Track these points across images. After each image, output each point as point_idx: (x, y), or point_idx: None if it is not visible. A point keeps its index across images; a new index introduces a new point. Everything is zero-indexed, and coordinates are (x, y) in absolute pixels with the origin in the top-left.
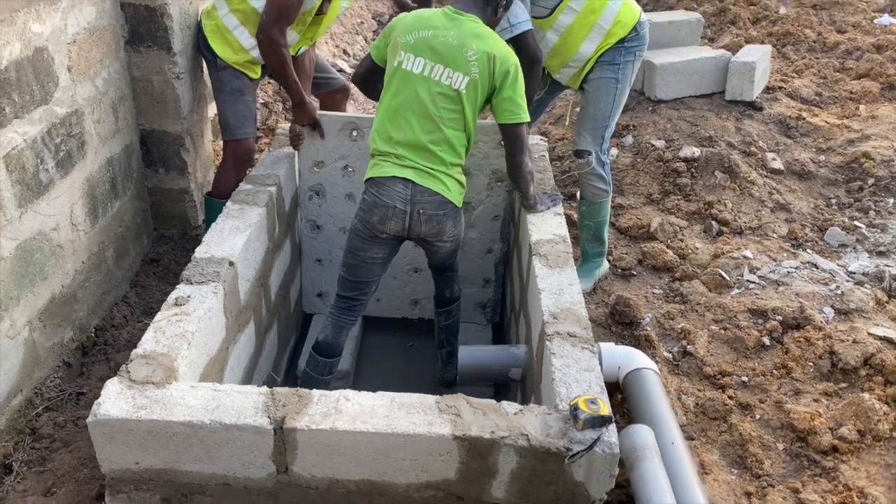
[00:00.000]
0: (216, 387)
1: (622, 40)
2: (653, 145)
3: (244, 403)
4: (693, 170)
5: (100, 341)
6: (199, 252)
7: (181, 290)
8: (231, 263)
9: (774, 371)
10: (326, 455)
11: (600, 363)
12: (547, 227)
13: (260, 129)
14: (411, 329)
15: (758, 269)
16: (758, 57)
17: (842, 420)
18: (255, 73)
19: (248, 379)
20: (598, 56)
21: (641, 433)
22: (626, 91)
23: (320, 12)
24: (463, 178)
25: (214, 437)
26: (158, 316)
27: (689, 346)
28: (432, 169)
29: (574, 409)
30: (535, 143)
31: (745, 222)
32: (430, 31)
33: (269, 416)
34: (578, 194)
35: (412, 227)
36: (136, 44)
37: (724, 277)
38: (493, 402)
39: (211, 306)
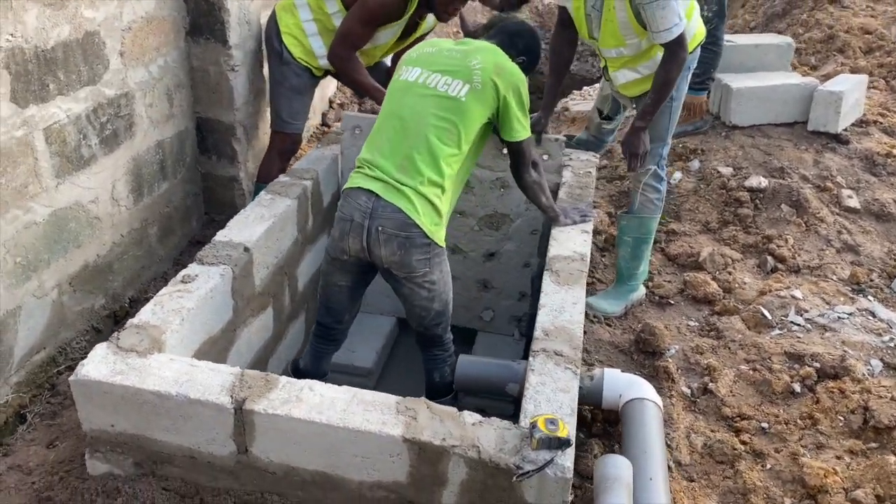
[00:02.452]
0: (193, 362)
1: None
2: (718, 172)
3: (213, 381)
4: (757, 201)
5: (132, 312)
6: (220, 235)
7: (191, 268)
8: (246, 249)
9: (799, 420)
10: (282, 441)
11: (601, 389)
12: (570, 243)
13: (330, 128)
14: None
15: (806, 311)
16: (848, 87)
17: (860, 482)
18: (319, 71)
19: (259, 363)
20: None
21: (615, 464)
22: (679, 108)
23: (407, 32)
24: (443, 207)
25: (180, 409)
26: (163, 290)
27: (711, 384)
28: (401, 184)
29: (532, 427)
30: (587, 158)
31: (804, 261)
32: (434, 48)
33: (231, 396)
34: (619, 212)
35: (371, 248)
36: (195, 35)
37: (765, 316)
38: (453, 409)
39: (215, 286)
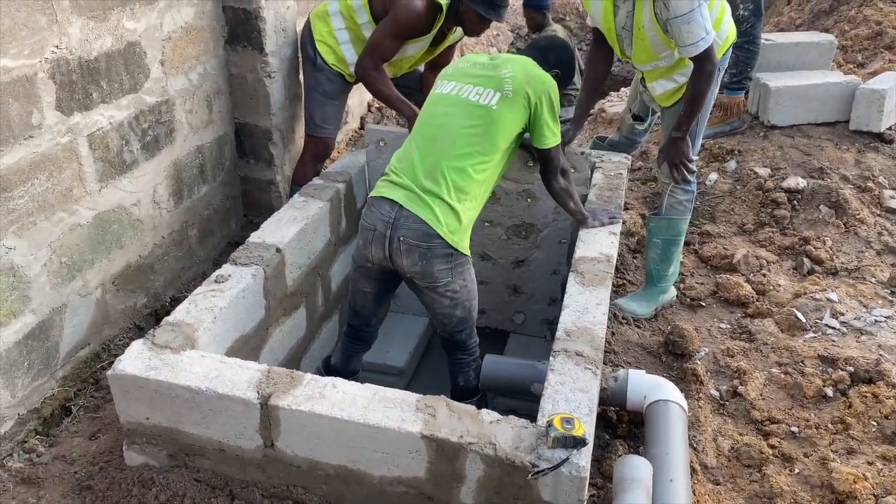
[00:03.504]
0: (223, 359)
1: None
2: (755, 173)
3: (241, 377)
4: (795, 202)
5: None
6: (253, 237)
7: (225, 269)
8: (278, 250)
9: (830, 425)
10: (306, 436)
11: (625, 390)
12: (596, 245)
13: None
14: (480, 337)
15: (842, 314)
16: (892, 84)
17: (892, 488)
18: (352, 77)
19: (292, 362)
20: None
21: (634, 464)
22: (709, 110)
23: (436, 42)
24: (468, 214)
25: (210, 404)
26: (197, 290)
27: (740, 387)
28: (425, 192)
29: (548, 425)
30: (619, 160)
31: (842, 263)
32: (469, 63)
33: (258, 392)
34: (648, 214)
35: (393, 257)
36: (234, 43)
37: (798, 319)
38: (472, 408)
39: (247, 286)
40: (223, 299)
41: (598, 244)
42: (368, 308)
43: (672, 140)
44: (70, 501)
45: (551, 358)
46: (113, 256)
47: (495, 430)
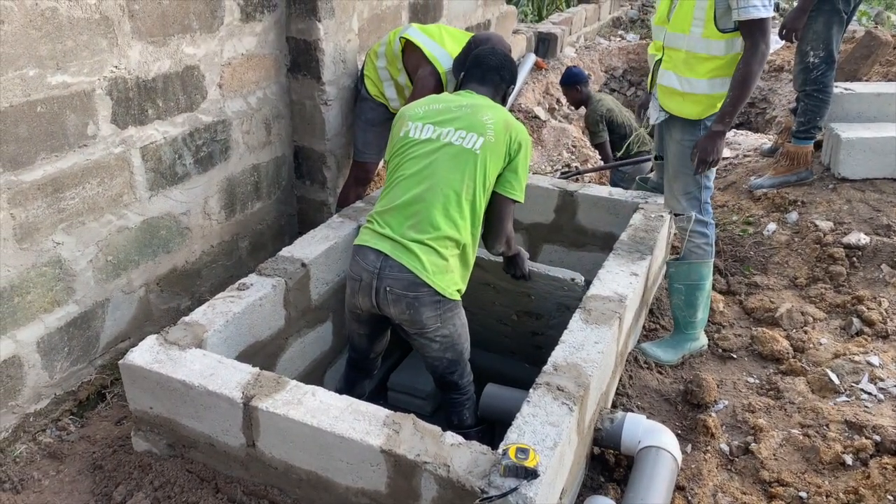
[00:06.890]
0: (221, 359)
1: None
2: (815, 225)
3: (232, 377)
4: (855, 259)
5: None
6: (284, 251)
7: (250, 278)
8: (304, 265)
9: (842, 494)
10: (281, 439)
11: (620, 432)
12: (613, 284)
13: None
14: (507, 369)
15: (882, 379)
16: None
17: None
18: (394, 110)
19: (314, 373)
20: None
21: None
22: (719, 156)
23: None
24: (455, 262)
25: (201, 399)
26: (219, 294)
27: (753, 444)
28: (411, 240)
29: (503, 454)
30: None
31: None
32: (440, 104)
33: (243, 392)
34: (669, 259)
35: (381, 306)
36: (295, 71)
37: (831, 380)
38: (437, 429)
39: (265, 295)
40: (239, 305)
41: (615, 283)
42: (364, 345)
43: (712, 134)
44: (83, 478)
45: (531, 390)
46: (159, 259)
47: (453, 453)
